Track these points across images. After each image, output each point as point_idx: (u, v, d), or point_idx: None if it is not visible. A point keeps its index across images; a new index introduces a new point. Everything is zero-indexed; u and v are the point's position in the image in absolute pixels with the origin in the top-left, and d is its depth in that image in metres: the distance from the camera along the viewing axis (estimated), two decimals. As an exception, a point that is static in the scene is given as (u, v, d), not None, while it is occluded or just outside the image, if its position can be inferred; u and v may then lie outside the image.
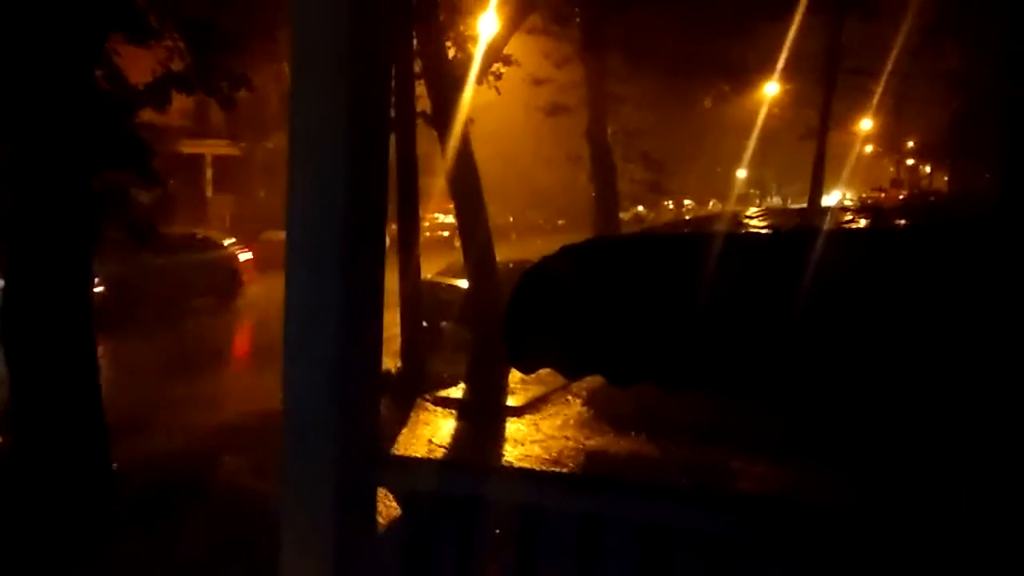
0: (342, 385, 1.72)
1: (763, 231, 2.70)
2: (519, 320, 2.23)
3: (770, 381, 2.25)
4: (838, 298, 1.95)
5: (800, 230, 2.77)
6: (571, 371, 2.31)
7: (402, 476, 1.90)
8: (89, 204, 6.62)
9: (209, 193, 29.48)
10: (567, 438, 10.00)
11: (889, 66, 22.40)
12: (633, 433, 9.74)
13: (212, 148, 28.74)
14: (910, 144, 42.62)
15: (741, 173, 47.35)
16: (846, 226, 2.89)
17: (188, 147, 26.67)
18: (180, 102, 11.03)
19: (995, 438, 1.93)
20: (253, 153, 28.27)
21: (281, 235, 2.63)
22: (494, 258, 13.60)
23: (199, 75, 8.09)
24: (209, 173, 29.40)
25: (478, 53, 14.42)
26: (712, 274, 2.02)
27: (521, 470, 7.61)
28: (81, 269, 6.74)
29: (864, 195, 43.97)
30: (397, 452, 9.25)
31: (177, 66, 8.54)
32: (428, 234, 23.31)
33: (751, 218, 3.55)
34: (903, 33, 21.02)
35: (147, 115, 8.51)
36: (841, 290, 1.92)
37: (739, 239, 2.41)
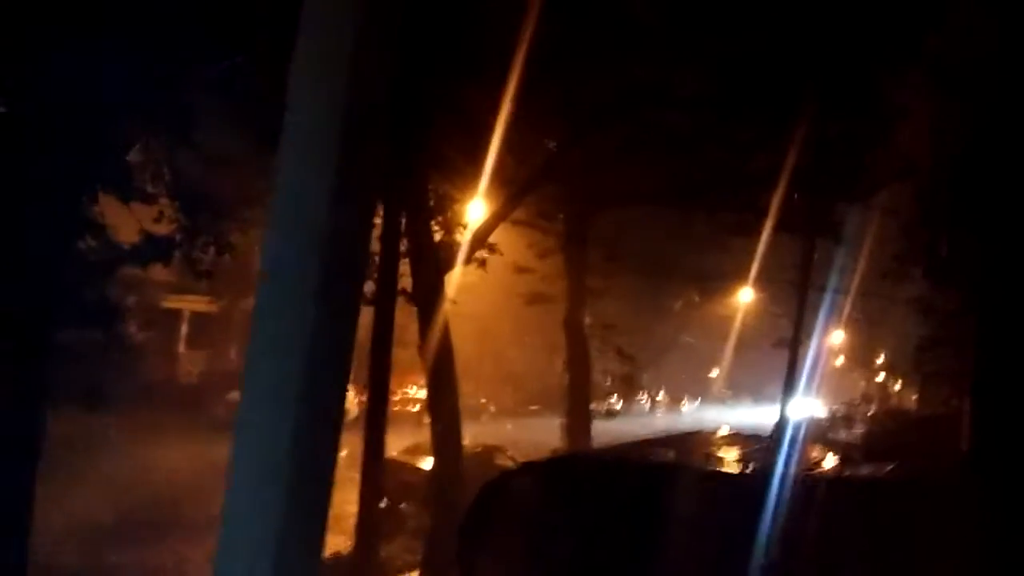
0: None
1: (727, 471, 2.66)
2: (473, 539, 2.10)
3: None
4: (796, 544, 1.87)
5: (760, 472, 2.73)
6: (525, 601, 2.16)
7: None
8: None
9: (182, 348, 29.19)
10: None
11: (857, 286, 23.22)
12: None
13: (191, 304, 28.75)
14: (879, 360, 43.55)
15: (714, 373, 48.01)
16: (809, 472, 2.85)
17: (169, 301, 26.66)
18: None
19: None
20: (231, 312, 28.26)
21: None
22: (460, 440, 13.28)
23: (186, 239, 8.19)
24: (184, 328, 29.24)
25: (464, 238, 14.83)
26: (677, 512, 1.94)
27: None
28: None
29: (834, 407, 44.62)
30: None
31: (165, 227, 8.65)
32: (397, 407, 22.90)
33: (716, 444, 3.51)
34: (871, 256, 21.95)
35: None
36: (797, 537, 1.84)
37: (705, 477, 2.36)
